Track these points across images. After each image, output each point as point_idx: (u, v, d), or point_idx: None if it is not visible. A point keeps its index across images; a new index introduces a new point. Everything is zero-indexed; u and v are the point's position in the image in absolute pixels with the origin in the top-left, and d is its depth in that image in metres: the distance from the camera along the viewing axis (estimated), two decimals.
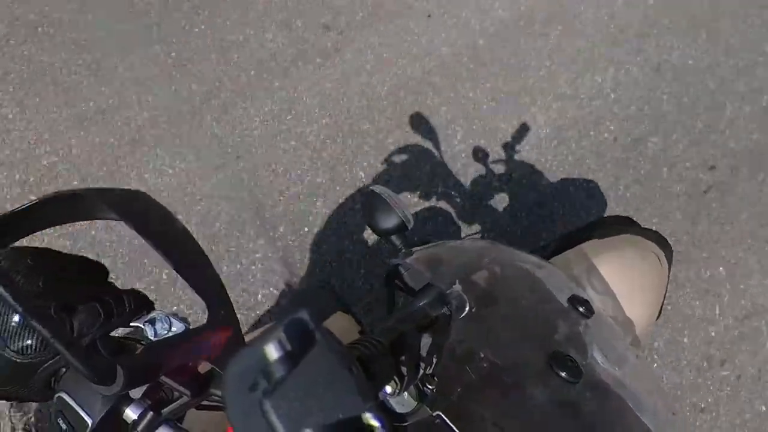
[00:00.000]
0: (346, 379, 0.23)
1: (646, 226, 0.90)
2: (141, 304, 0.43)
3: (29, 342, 0.38)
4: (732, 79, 1.78)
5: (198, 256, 0.43)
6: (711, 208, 1.59)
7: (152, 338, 0.42)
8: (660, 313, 0.82)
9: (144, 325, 0.42)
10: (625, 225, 0.95)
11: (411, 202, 1.58)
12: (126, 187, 0.45)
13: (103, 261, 0.46)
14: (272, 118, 1.70)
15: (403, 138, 1.65)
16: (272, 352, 0.23)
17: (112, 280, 0.46)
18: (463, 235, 1.57)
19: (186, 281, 0.40)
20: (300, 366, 0.22)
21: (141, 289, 0.45)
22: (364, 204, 0.67)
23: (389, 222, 0.64)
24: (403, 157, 1.65)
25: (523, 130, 1.65)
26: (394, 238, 0.66)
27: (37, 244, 0.44)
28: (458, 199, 1.60)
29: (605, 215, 1.62)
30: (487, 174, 1.62)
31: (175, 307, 1.42)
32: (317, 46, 1.81)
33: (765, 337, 1.45)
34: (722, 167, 1.65)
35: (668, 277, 0.83)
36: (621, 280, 0.74)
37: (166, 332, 0.42)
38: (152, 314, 0.43)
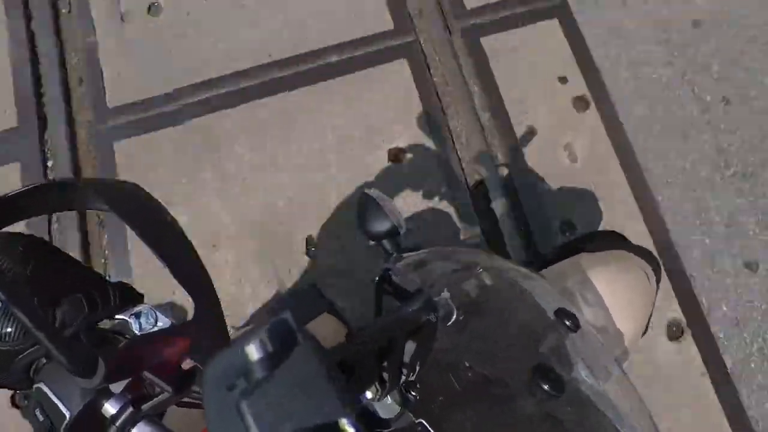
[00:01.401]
0: (325, 384, 0.23)
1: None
2: (127, 298, 0.43)
3: (9, 330, 0.38)
4: None
5: (188, 252, 0.43)
6: None
7: (137, 332, 0.42)
8: (646, 329, 0.83)
9: (130, 318, 0.42)
10: (617, 241, 0.96)
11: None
12: (119, 179, 0.45)
13: None
14: None
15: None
16: (253, 352, 0.23)
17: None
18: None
19: (174, 276, 0.40)
20: (280, 368, 0.22)
21: None
22: (357, 208, 0.68)
23: (381, 226, 0.64)
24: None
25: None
26: (385, 242, 0.66)
27: None
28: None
29: (599, 229, 1.63)
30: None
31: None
32: None
33: None
34: None
35: (656, 294, 0.84)
36: (610, 294, 0.75)
37: (151, 327, 0.42)
38: (138, 308, 0.43)
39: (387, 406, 0.47)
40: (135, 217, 0.41)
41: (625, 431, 0.48)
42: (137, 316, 0.41)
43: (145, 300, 0.46)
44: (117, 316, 0.43)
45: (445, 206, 1.59)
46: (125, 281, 0.46)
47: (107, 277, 0.45)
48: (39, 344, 0.37)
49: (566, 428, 0.47)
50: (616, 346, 0.73)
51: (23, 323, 0.32)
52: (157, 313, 0.42)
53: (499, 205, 1.61)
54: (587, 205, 1.63)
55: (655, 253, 1.45)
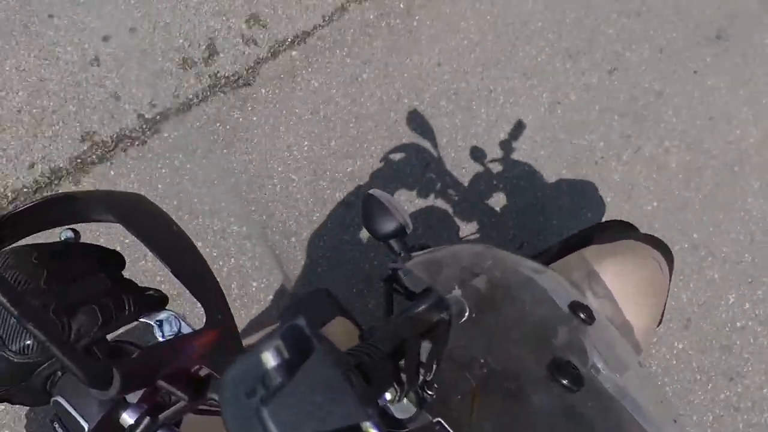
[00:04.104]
0: (344, 387, 0.22)
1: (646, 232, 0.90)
2: (146, 304, 0.43)
3: (29, 342, 0.38)
4: None
5: (195, 260, 0.43)
6: None
7: (160, 339, 0.42)
8: (661, 319, 0.82)
9: (154, 323, 0.42)
10: (625, 230, 0.95)
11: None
12: (125, 191, 0.45)
13: None
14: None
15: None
16: (270, 359, 0.23)
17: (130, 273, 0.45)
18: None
19: (183, 284, 0.40)
20: (298, 374, 0.22)
21: None
22: (362, 208, 0.67)
23: (388, 226, 0.64)
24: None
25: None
26: (393, 242, 0.66)
27: None
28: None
29: (605, 219, 1.62)
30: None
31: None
32: None
33: None
34: None
35: (669, 283, 0.83)
36: (621, 286, 0.74)
37: (174, 334, 0.42)
38: (162, 315, 0.42)
39: (402, 407, 0.47)
40: (141, 227, 0.41)
41: (646, 424, 0.47)
42: (161, 323, 0.41)
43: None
44: (141, 319, 0.43)
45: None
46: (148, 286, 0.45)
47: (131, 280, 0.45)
48: (54, 357, 0.37)
49: (586, 422, 0.47)
50: (625, 337, 0.72)
51: (36, 337, 0.32)
52: (181, 320, 0.41)
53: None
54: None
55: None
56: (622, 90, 1.75)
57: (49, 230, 0.43)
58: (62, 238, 0.44)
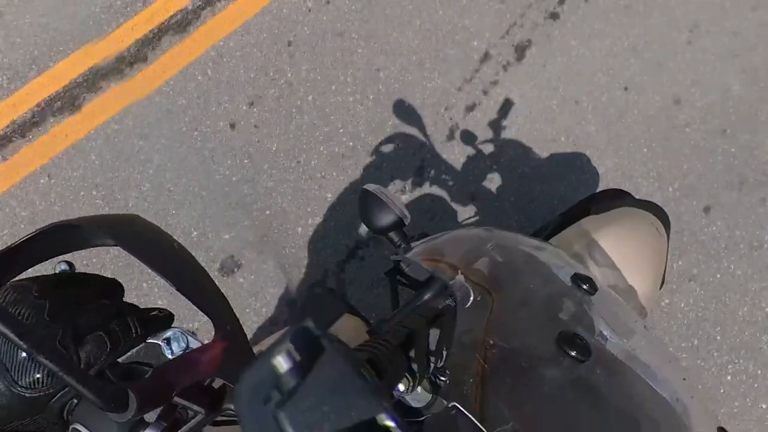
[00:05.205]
0: (357, 383, 0.23)
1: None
2: (152, 325, 0.43)
3: (38, 376, 0.38)
4: None
5: (198, 274, 0.43)
6: None
7: (169, 356, 0.42)
8: (663, 281, 0.83)
9: (162, 342, 0.42)
10: (619, 198, 0.96)
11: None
12: (120, 213, 0.45)
13: None
14: None
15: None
16: (282, 363, 0.23)
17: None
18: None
19: (188, 299, 0.40)
20: (311, 375, 0.23)
21: None
22: (358, 204, 0.68)
23: (386, 220, 0.64)
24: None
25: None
26: (392, 234, 0.66)
27: None
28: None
29: (599, 190, 1.63)
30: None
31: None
32: None
33: None
34: None
35: (667, 245, 0.84)
36: (622, 252, 0.75)
37: (182, 351, 0.42)
38: (169, 333, 0.43)
39: (417, 396, 0.48)
40: (142, 248, 0.41)
41: (656, 386, 0.48)
42: (168, 341, 0.41)
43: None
44: (149, 340, 0.43)
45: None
46: (154, 306, 0.46)
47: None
48: (68, 386, 0.37)
49: (598, 390, 0.47)
50: (629, 301, 0.73)
51: (50, 369, 0.32)
52: (188, 336, 0.42)
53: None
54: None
55: None
56: None
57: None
58: (57, 272, 0.44)
